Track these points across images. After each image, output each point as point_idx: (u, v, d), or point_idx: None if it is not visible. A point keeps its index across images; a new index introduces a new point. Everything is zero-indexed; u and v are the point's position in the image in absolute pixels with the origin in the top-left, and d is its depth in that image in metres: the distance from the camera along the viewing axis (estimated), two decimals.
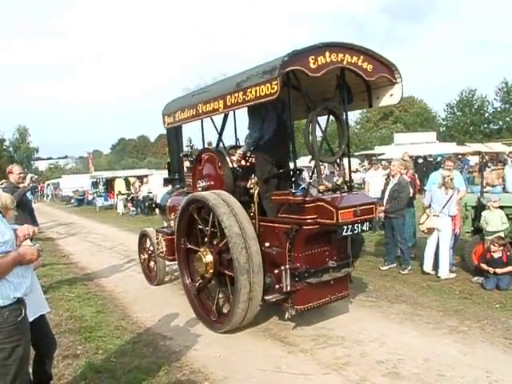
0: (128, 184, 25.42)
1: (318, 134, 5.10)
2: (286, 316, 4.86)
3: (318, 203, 4.60)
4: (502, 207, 6.73)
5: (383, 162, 15.75)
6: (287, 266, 4.65)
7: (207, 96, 5.47)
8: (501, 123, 45.30)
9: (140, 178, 24.28)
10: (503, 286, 6.09)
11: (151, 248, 7.46)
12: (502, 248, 6.31)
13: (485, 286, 6.21)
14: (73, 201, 32.13)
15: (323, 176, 9.73)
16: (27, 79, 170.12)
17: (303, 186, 4.87)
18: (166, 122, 6.66)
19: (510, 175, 8.38)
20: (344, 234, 4.60)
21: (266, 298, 4.91)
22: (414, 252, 8.06)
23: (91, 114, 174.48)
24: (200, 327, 5.33)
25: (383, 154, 27.06)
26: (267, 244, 4.98)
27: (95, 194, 27.05)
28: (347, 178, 5.28)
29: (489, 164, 20.07)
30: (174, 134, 7.59)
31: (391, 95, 5.34)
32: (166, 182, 8.22)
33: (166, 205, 7.28)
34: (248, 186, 5.29)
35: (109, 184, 26.92)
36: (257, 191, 5.16)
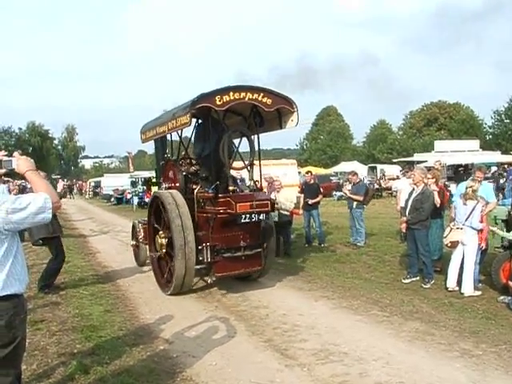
0: None
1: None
2: (209, 281, 6.72)
3: (227, 198, 6.30)
4: None
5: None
6: (208, 244, 6.34)
7: (160, 121, 7.49)
8: None
9: None
10: None
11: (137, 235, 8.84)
12: None
13: (511, 307, 5.76)
14: (112, 199, 33.06)
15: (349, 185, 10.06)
16: (80, 81, 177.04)
17: (213, 186, 6.53)
18: (141, 138, 8.68)
19: None
20: (243, 220, 6.24)
21: (195, 267, 6.46)
22: (440, 265, 7.62)
23: (138, 114, 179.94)
24: (204, 334, 5.22)
25: (425, 161, 26.11)
26: (201, 228, 6.65)
27: (133, 193, 27.67)
28: (258, 181, 7.02)
29: None
30: (159, 146, 8.57)
31: (292, 120, 6.94)
32: (149, 184, 10.66)
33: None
34: (193, 187, 6.95)
35: (147, 184, 27.42)
36: (196, 190, 6.78)
